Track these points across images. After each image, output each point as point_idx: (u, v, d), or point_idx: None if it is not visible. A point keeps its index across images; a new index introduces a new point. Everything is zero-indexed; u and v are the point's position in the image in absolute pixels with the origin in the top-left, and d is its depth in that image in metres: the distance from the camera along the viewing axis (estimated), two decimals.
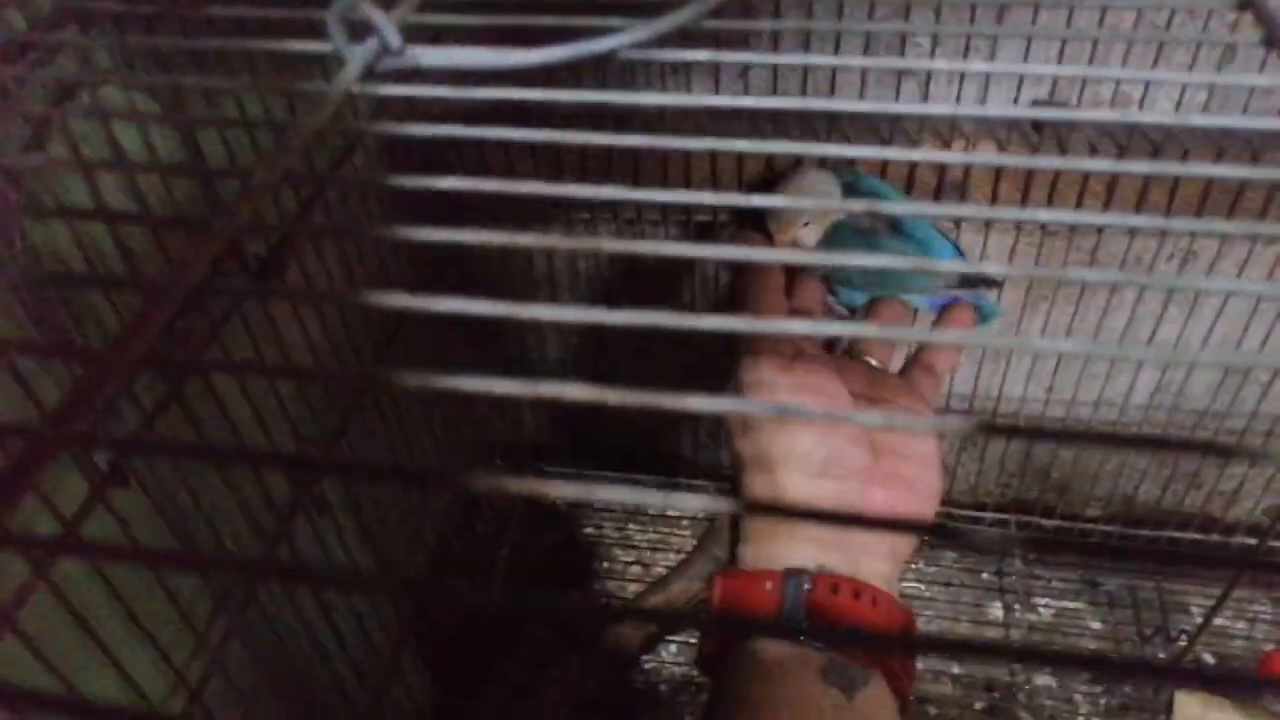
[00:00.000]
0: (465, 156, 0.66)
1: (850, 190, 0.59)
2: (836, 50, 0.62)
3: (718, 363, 0.80)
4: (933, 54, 0.62)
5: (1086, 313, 0.76)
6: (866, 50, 0.62)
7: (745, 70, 0.65)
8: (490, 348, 0.83)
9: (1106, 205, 0.67)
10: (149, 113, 0.34)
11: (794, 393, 0.39)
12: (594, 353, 0.83)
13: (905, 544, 0.40)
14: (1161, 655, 0.71)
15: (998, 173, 0.67)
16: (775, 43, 0.63)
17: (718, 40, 0.54)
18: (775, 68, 0.65)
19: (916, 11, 0.56)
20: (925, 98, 0.65)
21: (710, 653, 0.37)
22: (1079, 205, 0.67)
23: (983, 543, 0.47)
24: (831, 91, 0.66)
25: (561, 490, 0.18)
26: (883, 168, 0.65)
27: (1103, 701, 0.73)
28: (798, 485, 0.38)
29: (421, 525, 0.68)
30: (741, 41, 0.62)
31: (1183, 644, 0.74)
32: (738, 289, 0.46)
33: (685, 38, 0.29)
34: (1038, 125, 0.65)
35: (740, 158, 0.65)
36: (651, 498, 0.19)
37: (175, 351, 0.42)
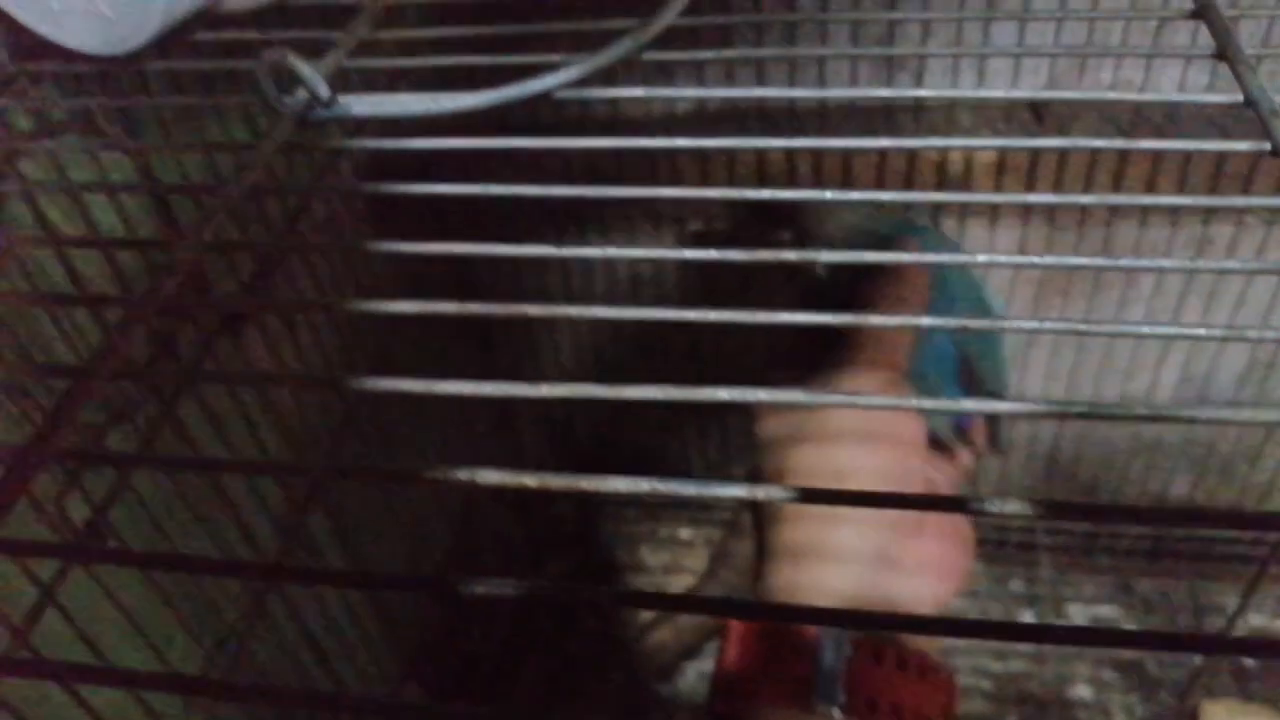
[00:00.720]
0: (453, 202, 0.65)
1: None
2: (820, 74, 0.60)
3: (729, 368, 0.78)
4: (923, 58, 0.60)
5: (1105, 307, 0.74)
6: (855, 39, 0.60)
7: (730, 70, 0.63)
8: (493, 355, 0.82)
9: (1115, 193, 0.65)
10: (82, 182, 0.34)
11: (888, 415, 0.36)
12: (601, 364, 0.82)
13: (949, 593, 0.37)
14: (1197, 660, 0.68)
15: (1000, 165, 0.65)
16: (759, 34, 0.60)
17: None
18: (759, 61, 0.62)
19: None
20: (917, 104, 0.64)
21: (724, 715, 0.35)
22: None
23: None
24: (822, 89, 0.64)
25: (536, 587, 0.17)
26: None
27: (1138, 711, 0.70)
28: (845, 531, 0.35)
29: (421, 561, 0.67)
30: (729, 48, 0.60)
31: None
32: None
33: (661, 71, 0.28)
34: (1038, 115, 0.63)
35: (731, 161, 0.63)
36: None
37: (146, 405, 0.41)
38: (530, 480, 0.19)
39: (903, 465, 0.36)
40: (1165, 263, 0.22)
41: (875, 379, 0.38)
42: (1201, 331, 0.21)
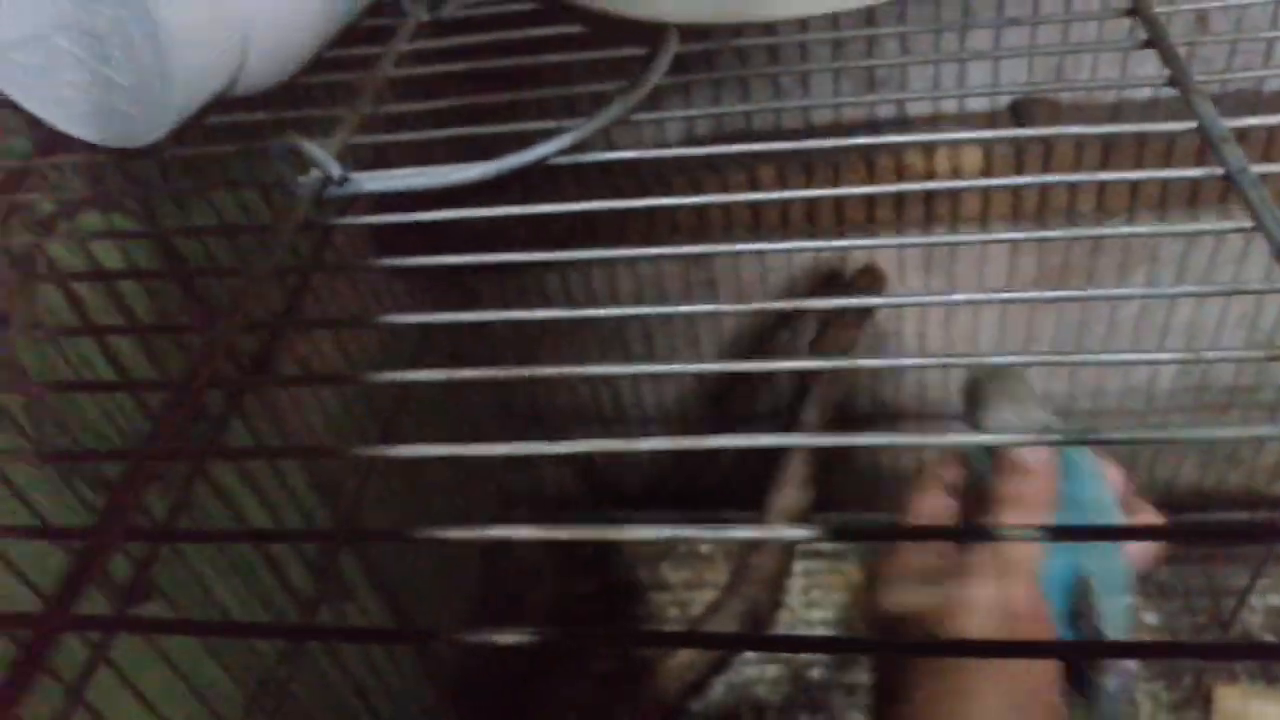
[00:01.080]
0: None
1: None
2: (805, 90, 0.61)
3: (733, 410, 0.80)
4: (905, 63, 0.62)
5: (1100, 304, 0.75)
6: (836, 81, 0.62)
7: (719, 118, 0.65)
8: (509, 398, 0.84)
9: (1100, 200, 0.66)
10: (115, 269, 0.36)
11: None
12: (612, 385, 0.83)
13: None
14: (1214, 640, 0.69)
15: (986, 167, 0.66)
16: (744, 86, 0.63)
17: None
18: (748, 115, 0.65)
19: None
20: (903, 109, 0.65)
21: None
22: (1071, 202, 0.67)
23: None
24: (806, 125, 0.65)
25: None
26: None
27: (1164, 698, 0.71)
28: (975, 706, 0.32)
29: (451, 589, 0.68)
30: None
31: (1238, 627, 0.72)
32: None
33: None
34: (1019, 119, 0.64)
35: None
36: None
37: (178, 463, 0.43)
38: (563, 533, 0.21)
39: (1028, 693, 0.33)
40: (1124, 290, 0.24)
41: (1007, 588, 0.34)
42: (1164, 356, 0.22)
